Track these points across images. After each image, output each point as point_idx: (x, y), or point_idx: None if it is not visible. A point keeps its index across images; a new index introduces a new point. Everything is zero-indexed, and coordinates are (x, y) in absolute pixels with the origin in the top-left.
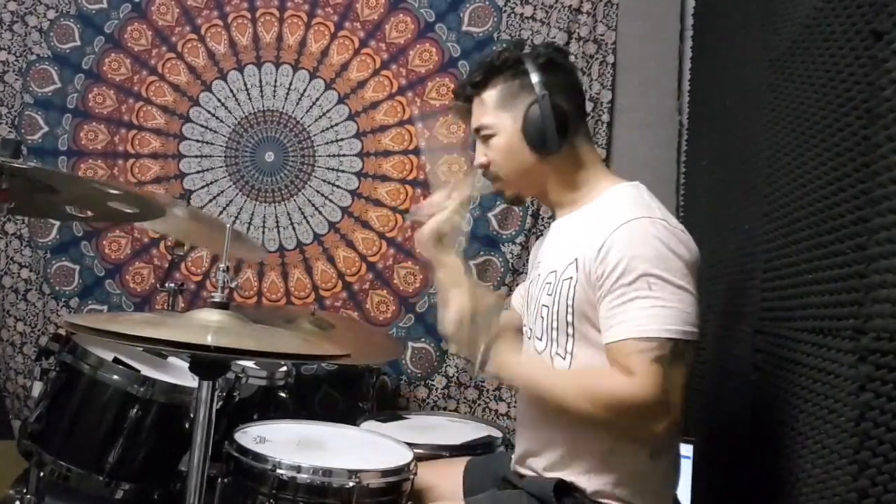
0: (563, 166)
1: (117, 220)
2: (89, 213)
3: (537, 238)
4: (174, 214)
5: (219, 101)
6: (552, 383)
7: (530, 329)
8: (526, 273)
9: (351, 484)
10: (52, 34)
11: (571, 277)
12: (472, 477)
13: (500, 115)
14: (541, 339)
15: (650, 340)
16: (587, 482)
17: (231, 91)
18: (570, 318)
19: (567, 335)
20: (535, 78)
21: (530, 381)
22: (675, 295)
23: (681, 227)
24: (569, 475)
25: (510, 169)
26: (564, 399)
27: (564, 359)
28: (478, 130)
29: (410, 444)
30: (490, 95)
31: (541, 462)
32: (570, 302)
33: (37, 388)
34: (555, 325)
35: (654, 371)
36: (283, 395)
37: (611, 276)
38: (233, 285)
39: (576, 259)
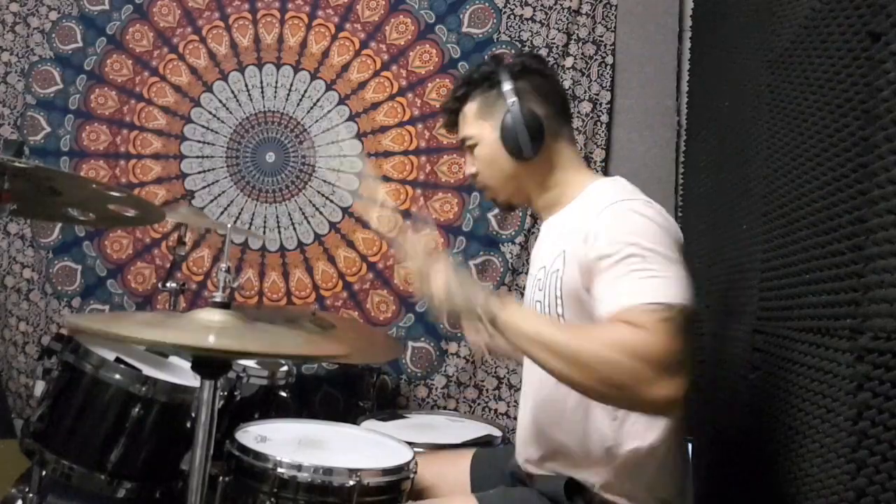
0: (543, 169)
1: (118, 225)
2: (91, 216)
3: (537, 238)
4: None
5: (220, 101)
6: (562, 330)
7: None
8: (525, 273)
9: (351, 483)
10: (54, 35)
11: (558, 269)
12: (479, 470)
13: (480, 125)
14: None
15: (655, 304)
16: (597, 480)
17: (232, 92)
18: (559, 309)
19: None
20: (506, 86)
21: (540, 329)
22: (669, 267)
23: (665, 211)
24: (579, 474)
25: (494, 177)
26: (577, 347)
27: None
28: (463, 141)
29: (410, 443)
30: (470, 108)
31: (550, 462)
32: (558, 294)
33: (39, 388)
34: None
35: (664, 328)
36: (283, 394)
37: (603, 257)
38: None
39: (563, 251)
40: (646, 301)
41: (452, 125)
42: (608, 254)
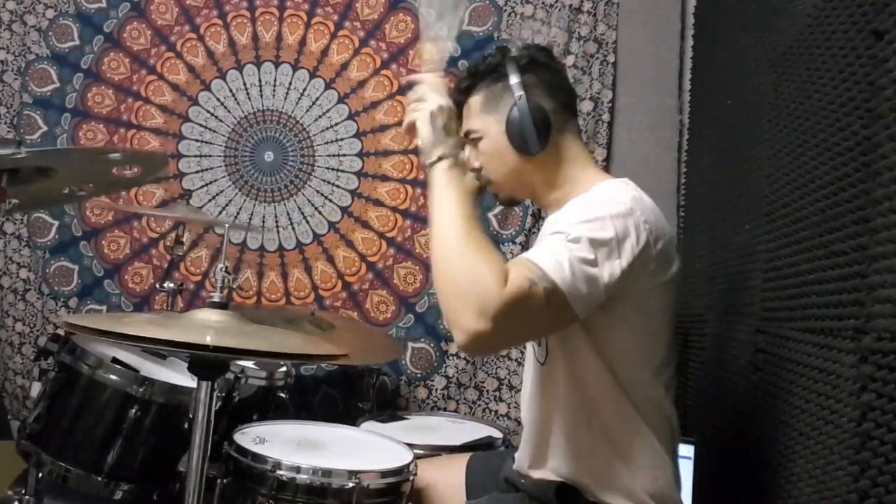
0: (549, 165)
1: (121, 188)
2: (91, 186)
3: (537, 238)
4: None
5: (218, 100)
6: (462, 222)
7: None
8: None
9: (351, 484)
10: (50, 33)
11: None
12: (474, 476)
13: (485, 118)
14: None
15: (538, 268)
16: (588, 485)
17: (230, 90)
18: None
19: None
20: (513, 79)
21: (449, 205)
22: (590, 257)
23: (651, 226)
24: (570, 478)
25: (498, 172)
26: (456, 240)
27: (541, 346)
28: (467, 135)
29: (410, 445)
30: (475, 100)
31: (542, 465)
32: None
33: (35, 389)
34: None
35: (518, 282)
36: (282, 395)
37: (552, 227)
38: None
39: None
40: (535, 260)
41: (458, 118)
42: (558, 224)
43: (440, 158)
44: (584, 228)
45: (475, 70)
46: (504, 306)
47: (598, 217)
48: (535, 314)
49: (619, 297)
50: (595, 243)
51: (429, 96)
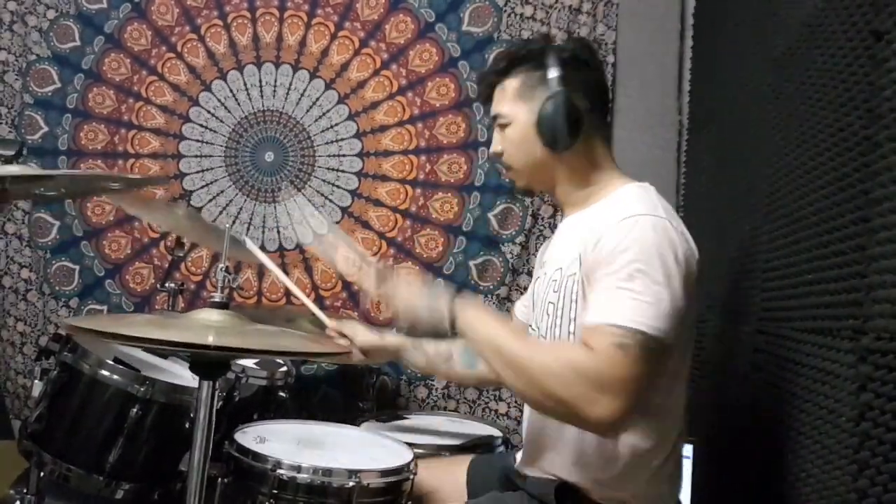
0: (575, 164)
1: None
2: (62, 191)
3: (537, 238)
4: (174, 214)
5: (219, 100)
6: (518, 339)
7: (536, 327)
8: (525, 273)
9: (351, 484)
10: (51, 34)
11: (575, 273)
12: (476, 476)
13: (517, 105)
14: (545, 337)
15: (617, 327)
16: (589, 484)
17: (231, 91)
18: (573, 314)
19: (569, 333)
20: (553, 73)
21: (496, 334)
22: (653, 292)
23: (683, 230)
24: (571, 476)
25: (521, 161)
26: (528, 358)
27: None
28: (495, 118)
29: (410, 444)
30: (510, 84)
31: (543, 463)
32: (574, 297)
33: (37, 388)
34: (559, 322)
35: (612, 352)
36: (283, 395)
37: (601, 265)
38: (233, 285)
39: (579, 254)
40: (611, 322)
41: (487, 98)
42: (605, 264)
43: (449, 313)
44: (634, 263)
45: (515, 54)
46: (610, 372)
47: (641, 245)
48: (640, 368)
49: None
50: (648, 270)
51: (393, 290)
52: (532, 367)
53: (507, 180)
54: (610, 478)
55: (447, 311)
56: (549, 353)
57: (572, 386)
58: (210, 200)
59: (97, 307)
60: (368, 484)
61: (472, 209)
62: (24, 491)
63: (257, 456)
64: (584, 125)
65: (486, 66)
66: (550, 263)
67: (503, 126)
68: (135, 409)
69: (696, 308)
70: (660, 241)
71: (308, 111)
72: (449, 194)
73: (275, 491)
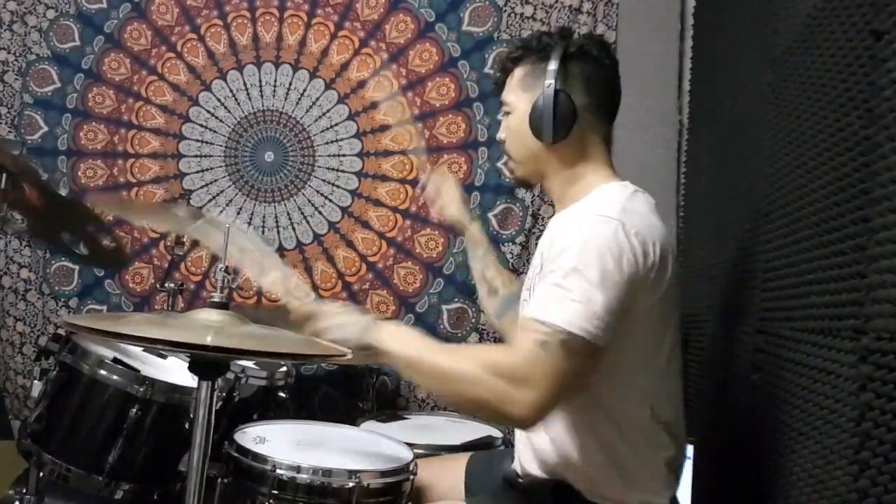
0: (565, 158)
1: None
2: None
3: (537, 238)
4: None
5: (218, 100)
6: (436, 351)
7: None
8: (525, 273)
9: (351, 484)
10: (51, 34)
11: (539, 271)
12: (474, 475)
13: (519, 94)
14: None
15: (542, 324)
16: (586, 484)
17: (231, 91)
18: None
19: None
20: (552, 65)
21: (414, 351)
22: (584, 291)
23: (644, 233)
24: (566, 479)
25: (516, 151)
26: (446, 367)
27: None
28: (503, 104)
29: (410, 445)
30: (518, 73)
31: (540, 464)
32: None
33: (36, 388)
34: None
35: (531, 349)
36: (282, 395)
37: (548, 262)
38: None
39: (541, 253)
40: (537, 318)
41: (501, 85)
42: (550, 262)
43: (371, 339)
44: (571, 263)
45: (527, 44)
46: (528, 370)
47: (582, 245)
48: (560, 366)
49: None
50: (584, 270)
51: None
52: (449, 373)
53: (506, 177)
54: (603, 482)
55: (364, 337)
56: (466, 358)
57: (489, 386)
58: (210, 200)
59: (97, 307)
60: (368, 484)
61: (472, 209)
62: (24, 491)
63: (257, 456)
64: (577, 120)
65: (487, 65)
66: (533, 262)
67: (507, 114)
68: (134, 410)
69: (669, 307)
70: (602, 243)
71: (308, 111)
72: None
73: (274, 491)
